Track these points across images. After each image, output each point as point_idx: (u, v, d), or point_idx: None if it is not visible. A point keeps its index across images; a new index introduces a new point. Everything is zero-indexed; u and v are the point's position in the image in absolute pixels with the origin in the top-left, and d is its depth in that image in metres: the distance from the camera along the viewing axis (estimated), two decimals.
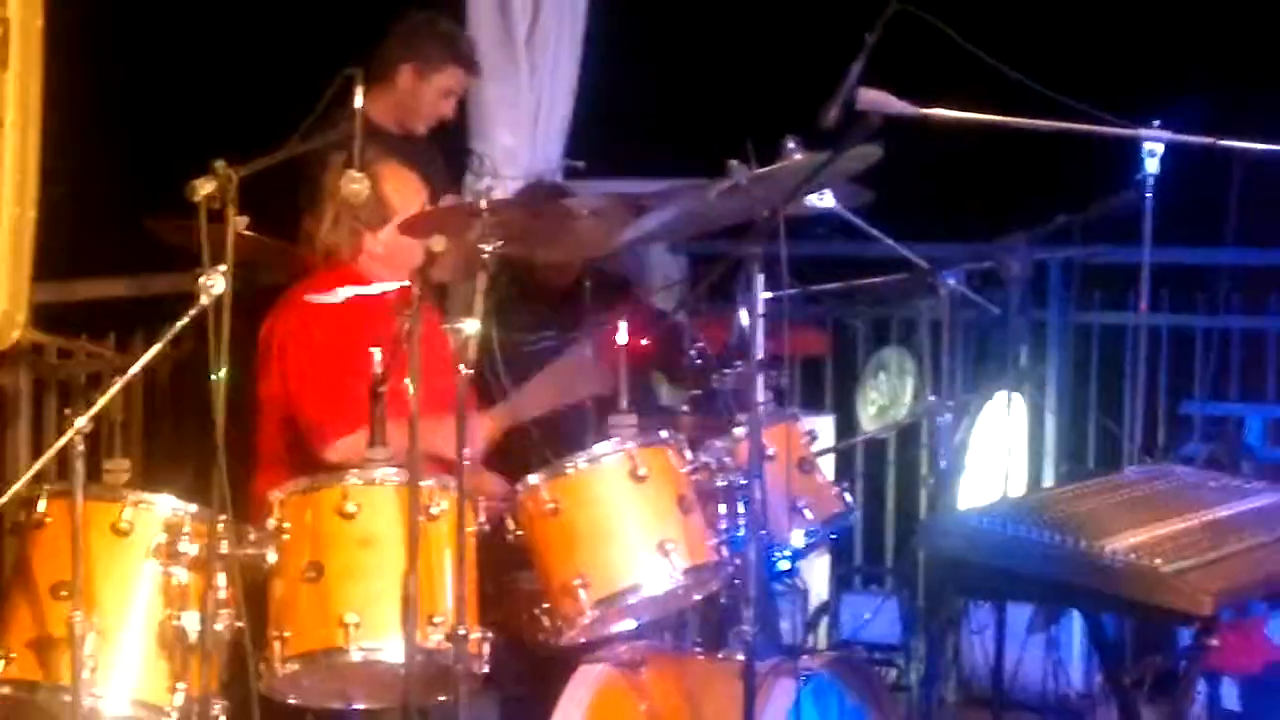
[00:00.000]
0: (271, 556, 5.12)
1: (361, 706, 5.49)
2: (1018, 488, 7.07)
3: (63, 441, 4.69)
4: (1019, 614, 6.61)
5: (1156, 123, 5.53)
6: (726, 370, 5.78)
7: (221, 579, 4.93)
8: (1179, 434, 7.57)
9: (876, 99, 5.40)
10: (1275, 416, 7.65)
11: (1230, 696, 6.64)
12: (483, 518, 5.41)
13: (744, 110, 5.60)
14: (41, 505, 4.97)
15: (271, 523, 5.20)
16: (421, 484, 5.09)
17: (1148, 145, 5.53)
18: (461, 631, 5.08)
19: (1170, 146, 5.58)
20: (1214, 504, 5.49)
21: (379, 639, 5.12)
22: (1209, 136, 5.64)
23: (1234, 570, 5.25)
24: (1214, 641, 5.74)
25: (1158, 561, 5.03)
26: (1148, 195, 5.54)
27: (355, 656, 5.12)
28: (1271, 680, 6.58)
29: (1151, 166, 5.54)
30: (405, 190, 5.81)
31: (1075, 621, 6.85)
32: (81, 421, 4.67)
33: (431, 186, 5.82)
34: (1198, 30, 8.90)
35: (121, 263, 5.91)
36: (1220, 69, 8.80)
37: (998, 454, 7.19)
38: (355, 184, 5.02)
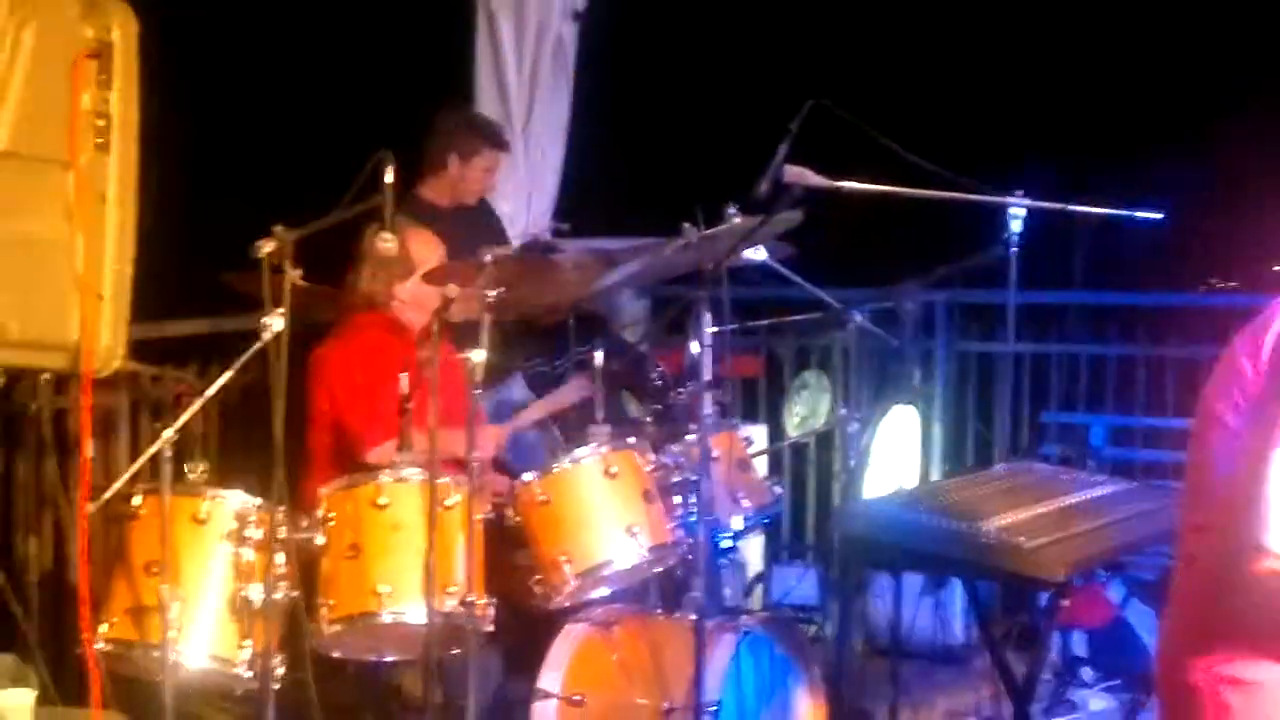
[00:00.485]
0: (320, 539, 5.13)
1: (391, 659, 5.45)
2: (911, 481, 7.08)
3: (154, 449, 4.73)
4: (912, 581, 6.60)
5: (1020, 192, 5.50)
6: (681, 390, 5.73)
7: (280, 558, 4.92)
8: (1038, 438, 7.57)
9: (798, 174, 5.35)
10: (1114, 424, 7.66)
11: (1079, 645, 6.62)
12: (488, 508, 5.43)
13: (695, 182, 5.53)
14: (137, 500, 4.95)
15: (320, 513, 5.18)
16: (439, 481, 5.04)
17: (1012, 210, 5.48)
18: (471, 599, 5.06)
19: (1030, 210, 5.54)
20: (1066, 493, 5.45)
21: (405, 604, 5.07)
22: (1059, 202, 5.60)
23: (1082, 545, 5.24)
24: (1066, 602, 5.70)
25: (1021, 539, 4.99)
26: (1013, 249, 5.50)
27: (386, 619, 5.08)
28: (1110, 632, 6.57)
29: (1015, 226, 5.50)
30: (426, 248, 5.80)
31: (957, 587, 6.79)
32: (169, 433, 4.73)
33: (484, 242, 5.71)
34: (1049, 119, 8.85)
35: (202, 306, 5.80)
36: (1064, 148, 8.75)
37: (895, 455, 7.20)
38: (386, 243, 4.98)
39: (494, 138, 6.94)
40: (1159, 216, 5.59)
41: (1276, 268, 3.46)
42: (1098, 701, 6.34)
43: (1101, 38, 9.13)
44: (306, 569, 5.16)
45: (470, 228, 6.28)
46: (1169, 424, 7.35)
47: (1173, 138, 8.49)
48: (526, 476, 5.43)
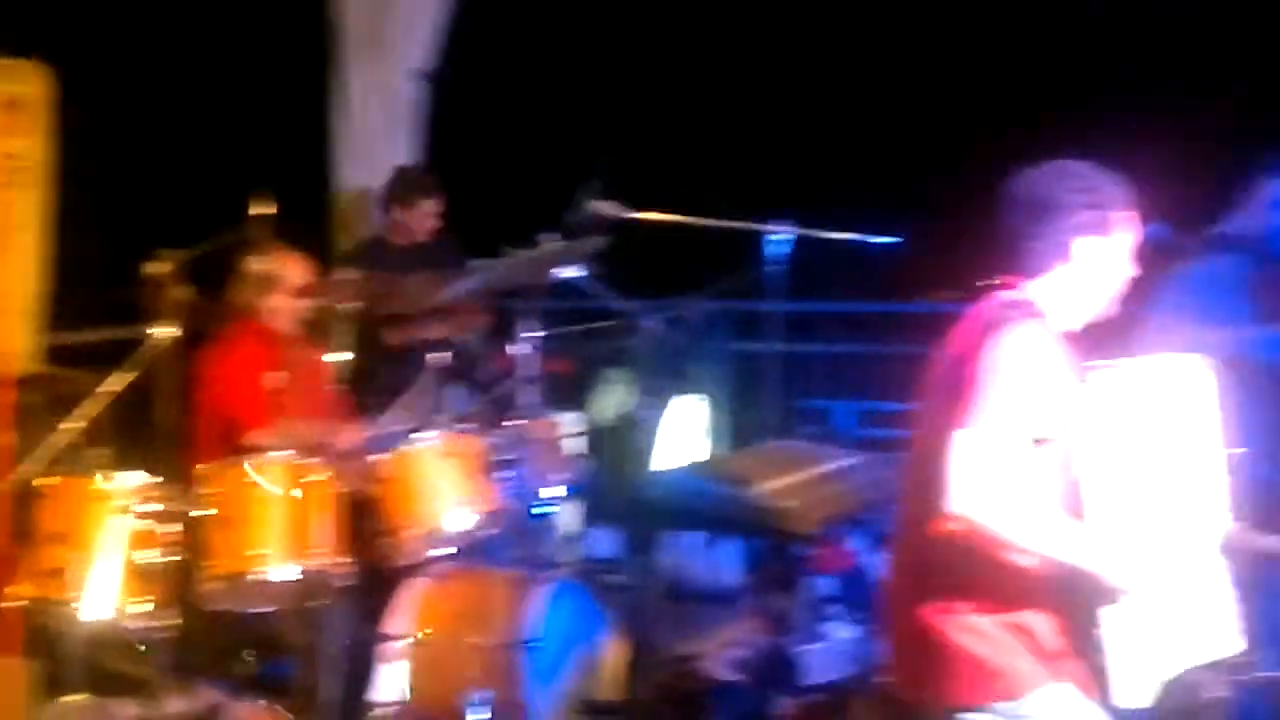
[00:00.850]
0: (202, 512, 5.03)
1: (263, 610, 5.34)
2: (695, 457, 7.13)
3: (56, 438, 4.80)
4: (695, 537, 6.62)
5: (782, 221, 5.57)
6: (506, 387, 5.70)
7: (169, 528, 4.87)
8: (798, 421, 7.65)
9: (603, 207, 5.41)
10: (859, 409, 7.77)
11: (827, 587, 6.68)
12: (348, 483, 5.33)
13: (519, 214, 5.54)
14: (49, 481, 4.88)
15: (202, 489, 5.08)
16: (303, 461, 5.02)
17: (777, 236, 5.56)
18: (332, 558, 5.04)
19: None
20: (818, 464, 5.54)
21: (273, 566, 5.03)
22: (817, 229, 5.69)
23: (829, 505, 5.33)
24: (818, 552, 5.80)
25: (781, 501, 5.08)
26: (777, 268, 5.58)
27: (257, 576, 5.02)
28: (852, 576, 6.65)
29: (777, 249, 5.57)
30: (293, 269, 5.70)
31: (731, 541, 6.84)
32: (67, 424, 4.79)
33: (437, 270, 5.86)
34: (822, 158, 8.87)
35: (107, 317, 5.71)
36: (831, 184, 8.80)
37: (684, 436, 7.25)
38: (260, 264, 4.99)
39: (427, 188, 7.00)
40: (896, 240, 5.69)
41: (980, 282, 3.54)
42: (842, 631, 6.41)
43: (862, 95, 9.19)
44: (191, 536, 5.13)
45: (425, 258, 6.38)
46: (904, 408, 7.47)
47: (912, 179, 8.57)
48: (379, 457, 5.40)
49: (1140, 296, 4.06)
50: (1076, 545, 3.24)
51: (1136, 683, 3.30)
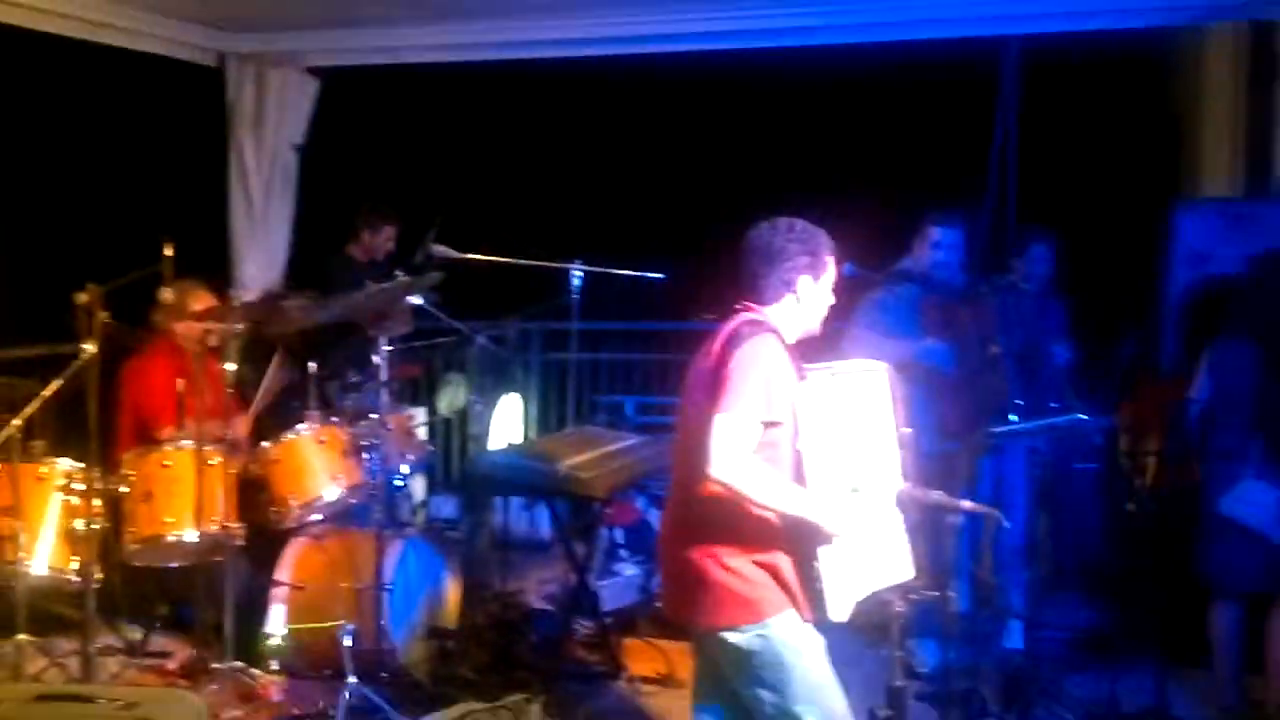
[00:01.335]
0: (124, 489, 5.00)
1: (176, 565, 5.24)
2: (515, 440, 7.11)
3: (5, 433, 4.57)
4: (518, 501, 6.59)
5: (579, 261, 5.59)
6: (367, 388, 5.62)
7: (96, 502, 4.79)
8: (592, 412, 7.67)
9: (442, 250, 5.40)
10: (639, 402, 7.79)
11: (619, 536, 6.72)
12: (240, 465, 5.30)
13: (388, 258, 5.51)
14: None
15: (124, 471, 5.04)
16: (205, 448, 4.94)
17: (575, 272, 5.58)
18: (228, 524, 4.98)
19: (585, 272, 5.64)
20: (609, 443, 5.57)
21: (183, 530, 4.96)
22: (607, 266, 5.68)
23: (617, 474, 5.37)
24: (609, 510, 5.85)
25: (581, 472, 5.11)
26: (575, 297, 5.58)
27: (170, 539, 4.98)
28: (637, 528, 6.69)
29: (577, 283, 5.58)
30: (195, 299, 5.54)
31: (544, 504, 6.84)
32: (15, 422, 4.58)
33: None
34: (618, 211, 8.76)
35: (44, 336, 5.49)
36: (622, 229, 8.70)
37: (506, 424, 7.23)
38: (169, 294, 4.89)
39: (390, 216, 6.88)
40: (662, 276, 5.74)
41: (736, 306, 3.58)
42: (629, 569, 6.48)
43: (639, 167, 9.15)
44: (115, 509, 5.03)
45: (381, 275, 6.04)
46: (671, 401, 7.55)
47: (677, 231, 8.51)
48: (264, 444, 5.33)
49: (840, 317, 4.16)
50: (800, 501, 3.31)
51: (842, 603, 3.37)
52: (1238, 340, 4.81)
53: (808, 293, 3.52)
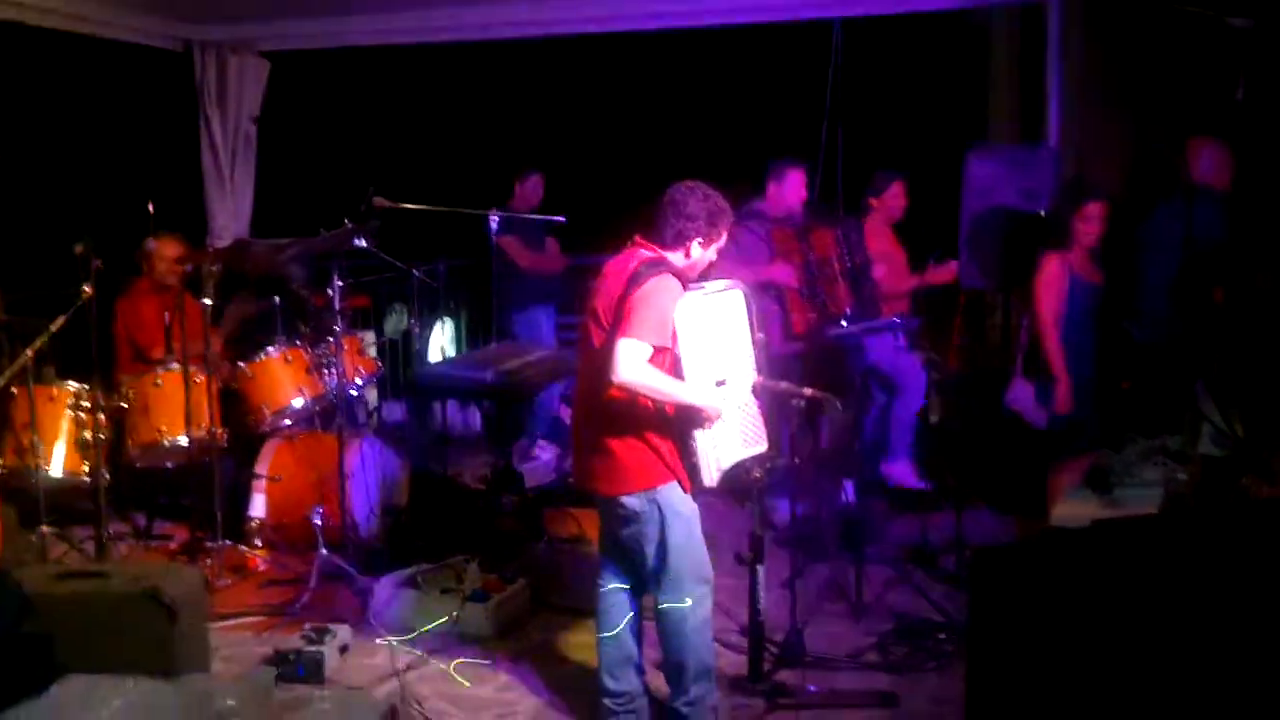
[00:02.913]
0: (124, 405, 4.95)
1: (172, 464, 5.18)
2: (451, 354, 7.06)
3: (19, 363, 4.49)
4: (454, 403, 6.51)
5: (495, 208, 5.51)
6: (324, 316, 5.50)
7: (101, 416, 4.74)
8: (510, 329, 7.54)
9: (380, 201, 5.28)
10: (559, 321, 7.64)
11: (542, 426, 6.68)
12: (222, 382, 5.24)
13: (327, 208, 5.34)
14: (14, 390, 4.67)
15: (124, 390, 4.97)
16: (190, 368, 4.86)
17: (492, 218, 5.51)
18: (214, 429, 4.93)
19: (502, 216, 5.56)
20: (528, 354, 5.49)
21: (176, 436, 4.90)
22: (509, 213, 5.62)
23: (537, 377, 5.28)
24: (529, 407, 5.78)
25: (507, 376, 5.01)
26: (494, 239, 5.48)
27: (166, 443, 4.92)
28: (557, 421, 6.66)
29: (494, 227, 5.50)
30: (170, 247, 5.40)
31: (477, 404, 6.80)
32: (28, 352, 4.49)
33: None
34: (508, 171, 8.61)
35: (50, 281, 5.30)
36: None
37: (442, 342, 7.17)
38: (151, 245, 4.75)
39: (534, 169, 6.59)
40: (561, 219, 5.69)
41: (633, 240, 3.55)
42: (547, 455, 6.52)
43: (558, 124, 9.00)
44: (118, 421, 4.94)
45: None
46: (576, 319, 7.47)
47: (581, 177, 8.41)
48: (240, 364, 5.23)
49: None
50: (684, 391, 3.35)
51: (712, 471, 3.43)
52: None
53: (695, 252, 3.50)
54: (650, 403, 3.40)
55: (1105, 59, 5.96)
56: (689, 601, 3.46)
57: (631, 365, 3.26)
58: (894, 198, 5.74)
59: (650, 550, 3.47)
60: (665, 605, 3.48)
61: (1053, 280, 5.13)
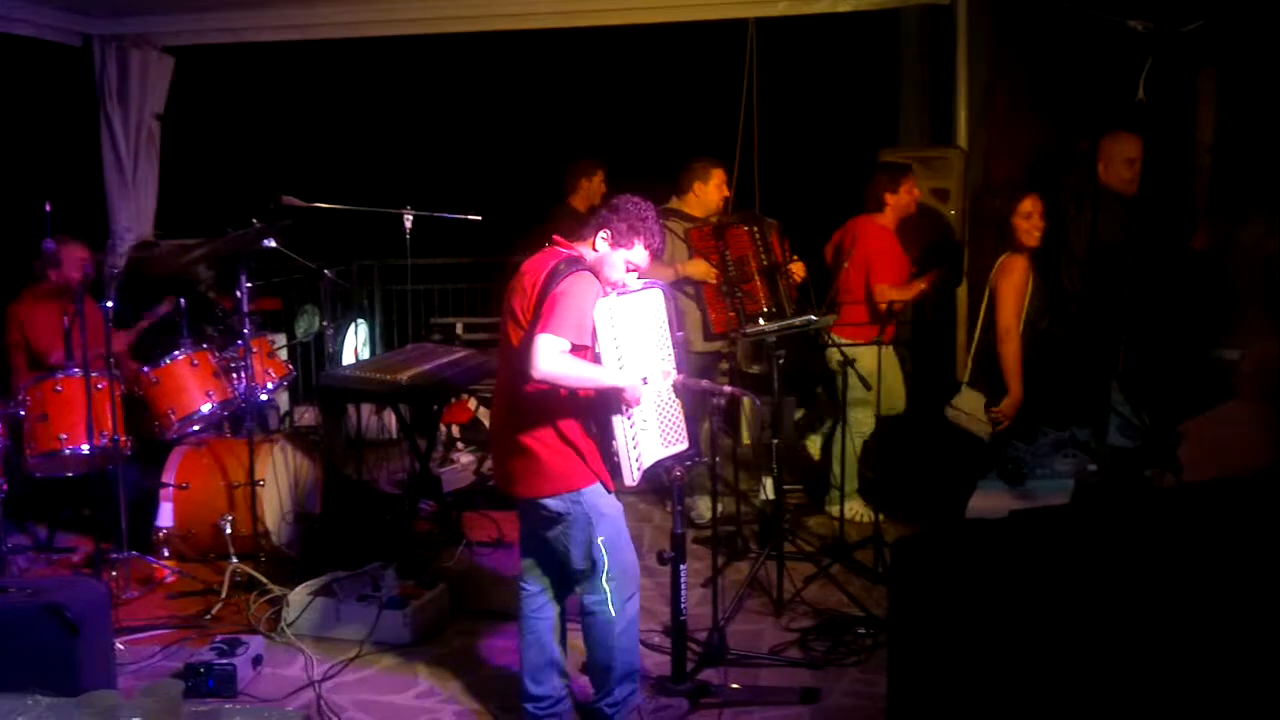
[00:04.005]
0: (22, 412, 4.75)
1: (71, 474, 5.00)
2: (363, 357, 6.92)
3: None
4: (369, 407, 6.38)
5: (409, 206, 5.42)
6: (233, 319, 5.38)
7: None
8: (429, 332, 7.45)
9: (290, 200, 5.17)
10: (467, 322, 7.54)
11: (455, 431, 6.63)
12: (125, 387, 5.05)
13: (233, 207, 5.20)
14: None
15: (21, 396, 4.77)
16: (92, 374, 4.65)
17: (406, 216, 5.41)
18: (117, 437, 4.76)
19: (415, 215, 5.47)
20: (442, 357, 5.46)
21: (78, 444, 4.71)
22: (435, 211, 5.52)
23: (452, 380, 5.26)
24: (447, 408, 5.74)
25: (419, 380, 5.00)
26: (407, 237, 5.39)
27: (67, 451, 4.73)
28: (470, 424, 6.64)
29: (409, 225, 5.40)
30: (70, 251, 5.19)
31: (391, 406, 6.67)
32: None
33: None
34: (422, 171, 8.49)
35: None
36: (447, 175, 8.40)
37: (357, 344, 7.03)
38: (51, 246, 4.59)
39: (600, 164, 6.10)
40: (477, 218, 5.61)
41: (554, 238, 3.51)
42: (465, 458, 6.44)
43: (465, 127, 8.90)
44: (15, 429, 4.75)
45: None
46: (494, 321, 7.41)
47: (496, 176, 8.32)
48: (145, 369, 5.07)
49: None
50: (604, 375, 3.33)
51: (633, 470, 3.41)
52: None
53: (601, 247, 3.46)
54: (569, 402, 3.39)
55: (1012, 61, 6.10)
56: (616, 603, 3.45)
57: (549, 358, 3.23)
58: (909, 191, 5.41)
59: (577, 552, 3.46)
60: (592, 607, 3.47)
61: (1020, 284, 4.77)
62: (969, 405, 4.82)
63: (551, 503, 3.43)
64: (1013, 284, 4.74)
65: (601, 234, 3.46)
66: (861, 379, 4.76)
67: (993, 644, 1.79)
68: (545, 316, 3.26)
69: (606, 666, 3.50)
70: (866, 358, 4.95)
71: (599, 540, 3.43)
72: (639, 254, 3.49)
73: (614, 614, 3.45)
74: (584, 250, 3.47)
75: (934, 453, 5.19)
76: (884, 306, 5.15)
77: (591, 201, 5.91)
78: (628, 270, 3.49)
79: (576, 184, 6.10)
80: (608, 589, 3.44)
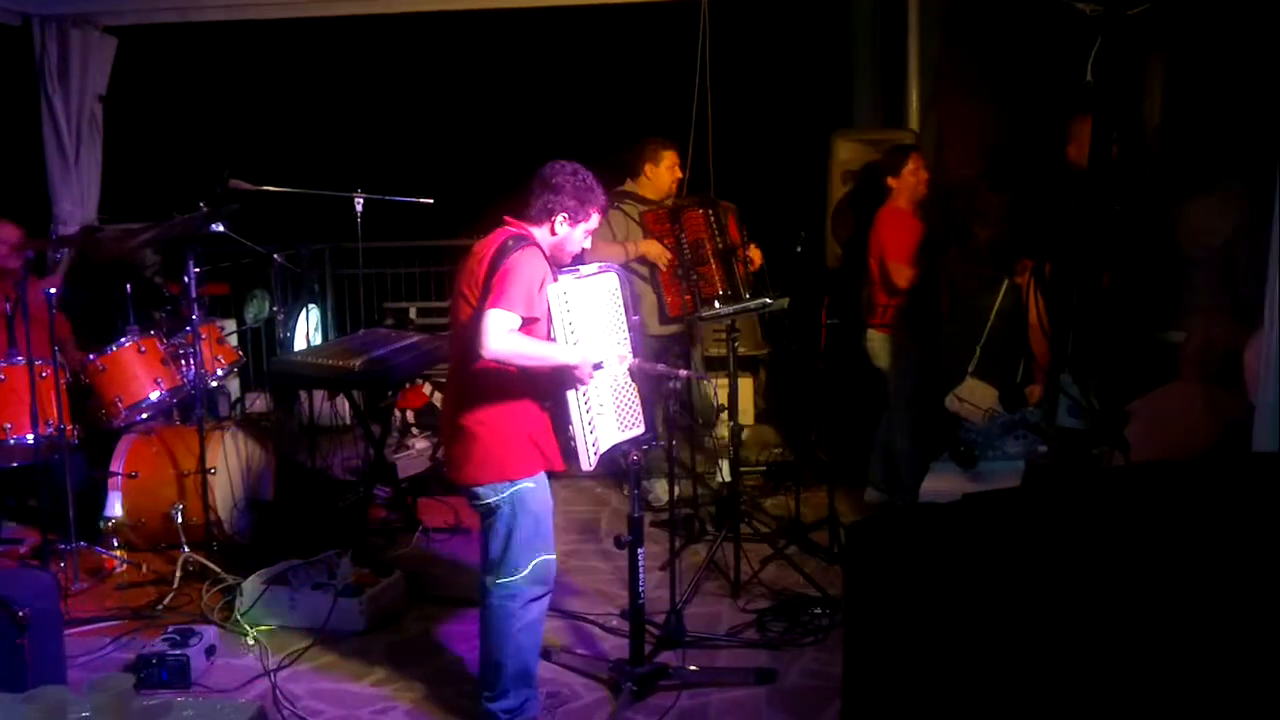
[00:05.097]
0: None
1: (16, 464, 4.85)
2: (314, 342, 6.80)
3: None
4: (321, 393, 6.28)
5: (360, 190, 5.37)
6: (181, 304, 5.29)
7: None
8: (382, 317, 7.32)
9: (237, 183, 5.09)
10: (420, 306, 7.46)
11: (410, 417, 6.55)
12: (71, 375, 4.95)
13: (179, 190, 5.12)
14: None
15: None
16: (35, 362, 4.56)
17: (357, 200, 5.36)
18: (63, 426, 4.65)
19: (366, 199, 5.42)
20: (396, 341, 5.37)
21: (23, 434, 4.62)
22: (381, 194, 5.47)
23: (407, 365, 5.16)
24: (402, 393, 5.66)
25: (374, 365, 4.90)
26: (358, 220, 5.33)
27: (11, 441, 4.64)
28: (425, 409, 6.57)
29: (359, 208, 5.35)
30: (7, 231, 5.05)
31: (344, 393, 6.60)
32: None
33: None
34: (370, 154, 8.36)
35: None
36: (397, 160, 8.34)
37: (307, 330, 6.89)
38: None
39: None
40: (429, 201, 5.56)
41: (503, 218, 3.49)
42: (420, 443, 6.41)
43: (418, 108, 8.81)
44: None
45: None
46: (442, 304, 7.35)
47: (447, 159, 8.29)
48: (91, 356, 4.95)
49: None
50: (556, 351, 3.32)
51: (589, 454, 3.39)
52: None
53: (561, 229, 3.45)
54: (520, 386, 3.36)
55: (963, 44, 6.14)
56: (520, 600, 3.42)
57: (499, 335, 3.21)
58: (913, 173, 5.14)
59: (495, 542, 3.43)
60: (496, 600, 3.43)
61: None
62: (974, 395, 4.77)
63: (481, 490, 3.41)
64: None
65: (559, 217, 3.44)
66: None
67: (946, 626, 1.81)
68: (494, 291, 3.23)
69: (499, 664, 3.45)
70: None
71: (518, 535, 3.40)
72: (594, 221, 3.52)
73: (517, 610, 3.42)
74: (540, 235, 3.45)
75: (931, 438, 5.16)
76: (904, 284, 5.07)
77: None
78: (587, 236, 3.53)
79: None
80: (516, 584, 3.41)
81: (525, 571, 3.42)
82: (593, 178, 3.49)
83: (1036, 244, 4.72)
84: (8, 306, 4.70)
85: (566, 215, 3.44)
